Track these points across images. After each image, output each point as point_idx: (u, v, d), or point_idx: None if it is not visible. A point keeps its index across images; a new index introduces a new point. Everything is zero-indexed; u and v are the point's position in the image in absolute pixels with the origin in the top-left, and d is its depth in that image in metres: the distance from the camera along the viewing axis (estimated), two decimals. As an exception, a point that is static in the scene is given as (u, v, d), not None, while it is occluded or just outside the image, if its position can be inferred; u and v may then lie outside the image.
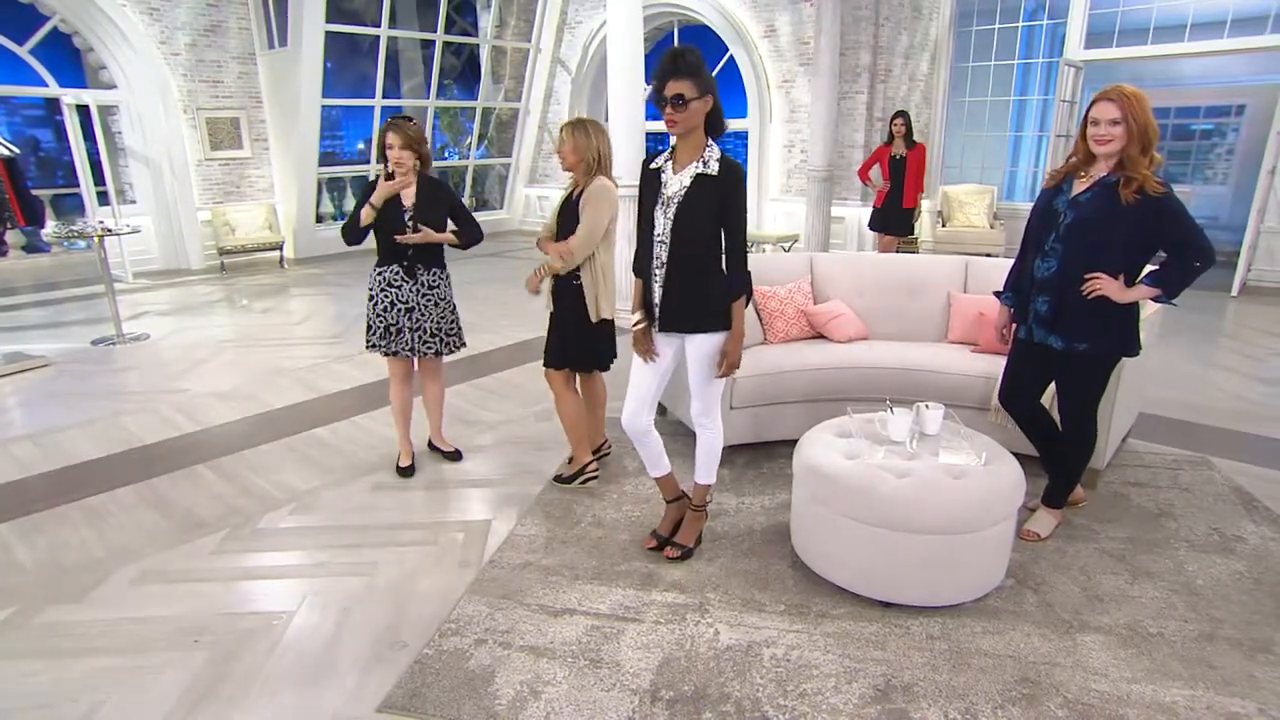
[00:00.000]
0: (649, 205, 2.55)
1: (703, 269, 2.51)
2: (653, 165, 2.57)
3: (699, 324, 2.56)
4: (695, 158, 2.46)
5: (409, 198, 3.32)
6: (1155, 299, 2.62)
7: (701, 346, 2.59)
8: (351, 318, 6.76)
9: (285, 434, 4.12)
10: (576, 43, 11.48)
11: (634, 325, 2.70)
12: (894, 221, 7.31)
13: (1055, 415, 3.00)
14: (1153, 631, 2.41)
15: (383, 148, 3.28)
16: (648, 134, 7.91)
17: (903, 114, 7.07)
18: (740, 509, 3.23)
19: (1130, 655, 2.30)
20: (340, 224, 10.80)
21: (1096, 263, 2.59)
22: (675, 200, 2.47)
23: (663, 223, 2.50)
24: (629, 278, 2.94)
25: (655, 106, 2.42)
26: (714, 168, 2.44)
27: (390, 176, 3.31)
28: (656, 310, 2.59)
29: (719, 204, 2.45)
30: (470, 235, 3.47)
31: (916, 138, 7.59)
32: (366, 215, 3.25)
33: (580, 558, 2.87)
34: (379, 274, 3.40)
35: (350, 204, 10.99)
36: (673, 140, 2.53)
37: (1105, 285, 2.58)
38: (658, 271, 2.54)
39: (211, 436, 4.11)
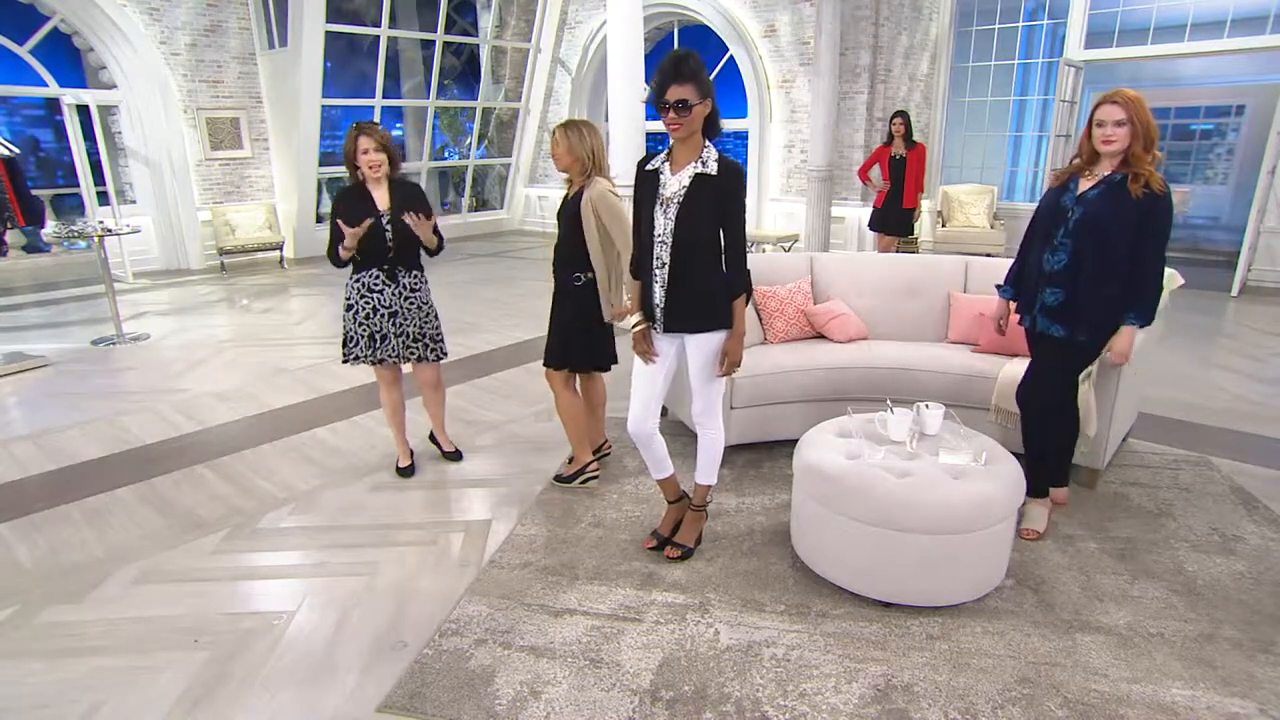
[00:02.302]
0: (647, 206, 2.54)
1: (704, 268, 2.52)
2: (649, 166, 2.56)
3: (701, 324, 2.57)
4: (693, 158, 2.47)
5: (382, 201, 3.26)
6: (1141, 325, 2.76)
7: (703, 346, 2.60)
8: (351, 318, 6.76)
9: (285, 434, 4.12)
10: (576, 43, 11.48)
11: (634, 327, 2.69)
12: (894, 221, 7.30)
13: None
14: (1153, 631, 2.41)
15: (347, 155, 3.21)
16: (647, 134, 7.91)
17: (902, 114, 7.06)
18: (740, 509, 3.23)
19: (1130, 655, 2.30)
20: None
21: (1105, 255, 2.66)
22: (675, 201, 2.47)
23: (663, 223, 2.50)
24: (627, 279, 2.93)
25: (656, 110, 2.43)
26: (713, 167, 2.45)
27: (360, 188, 3.24)
28: (657, 311, 2.59)
29: (719, 203, 2.46)
30: (440, 241, 3.40)
31: (916, 138, 7.59)
32: (346, 254, 3.21)
33: (580, 558, 2.87)
34: (356, 280, 3.32)
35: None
36: (670, 141, 2.54)
37: (1122, 348, 2.77)
38: (658, 272, 2.54)
39: (211, 436, 4.11)
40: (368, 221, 3.17)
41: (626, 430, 2.78)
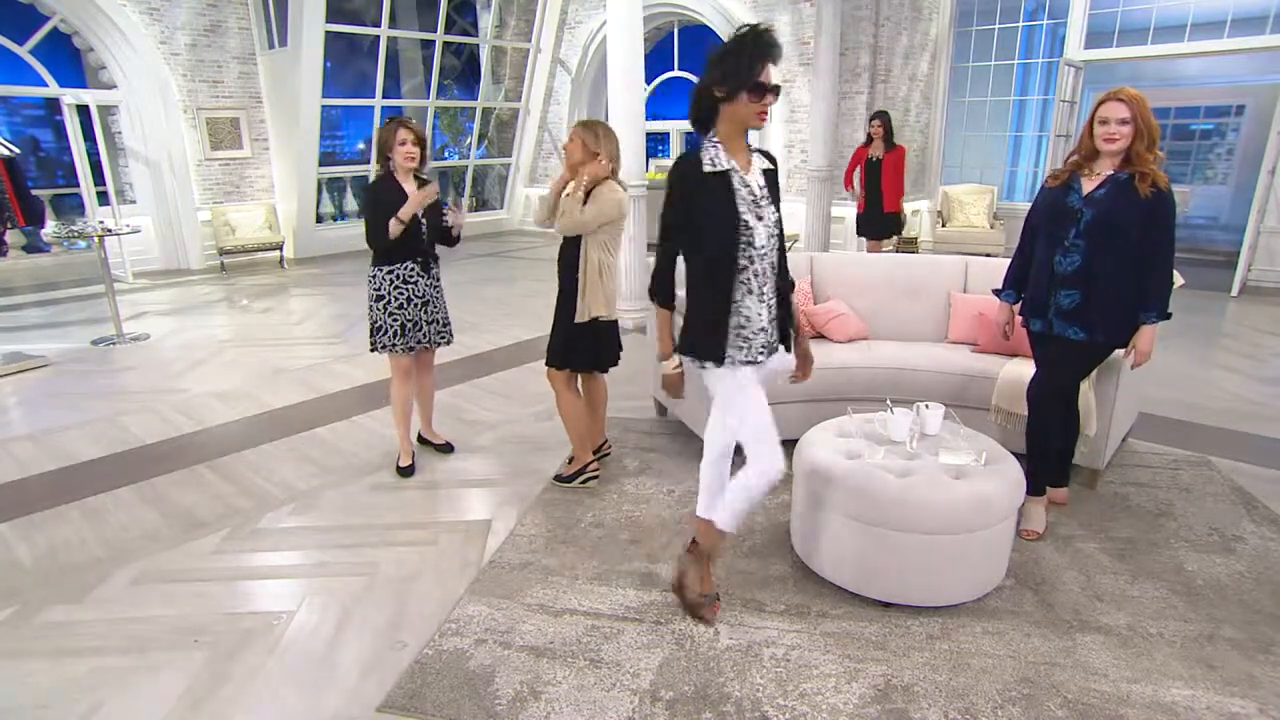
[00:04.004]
0: (729, 212, 2.10)
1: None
2: (716, 167, 2.11)
3: (789, 332, 2.35)
4: (749, 151, 2.19)
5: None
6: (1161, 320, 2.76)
7: (784, 358, 2.37)
8: (353, 318, 6.76)
9: (285, 434, 4.12)
10: (576, 43, 11.48)
11: (675, 368, 2.25)
12: (876, 226, 7.00)
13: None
14: (1153, 631, 2.41)
15: (383, 146, 3.34)
16: (648, 134, 7.90)
17: (881, 115, 6.71)
18: (740, 509, 3.23)
19: (1130, 655, 2.30)
20: (340, 223, 10.89)
21: (1119, 255, 2.67)
22: (766, 202, 2.17)
23: (764, 232, 2.14)
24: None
25: (739, 93, 2.03)
26: (766, 160, 2.22)
27: (389, 176, 3.37)
28: (763, 336, 2.21)
29: (777, 198, 2.25)
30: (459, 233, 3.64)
31: (915, 137, 7.56)
32: (396, 229, 3.29)
33: (580, 558, 2.87)
34: (389, 272, 3.42)
35: (350, 204, 11.01)
36: (717, 135, 2.14)
37: (1145, 348, 2.75)
38: (766, 291, 2.19)
39: (211, 436, 4.11)
40: (433, 188, 3.33)
41: (775, 470, 2.23)
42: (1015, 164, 10.29)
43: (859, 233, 7.41)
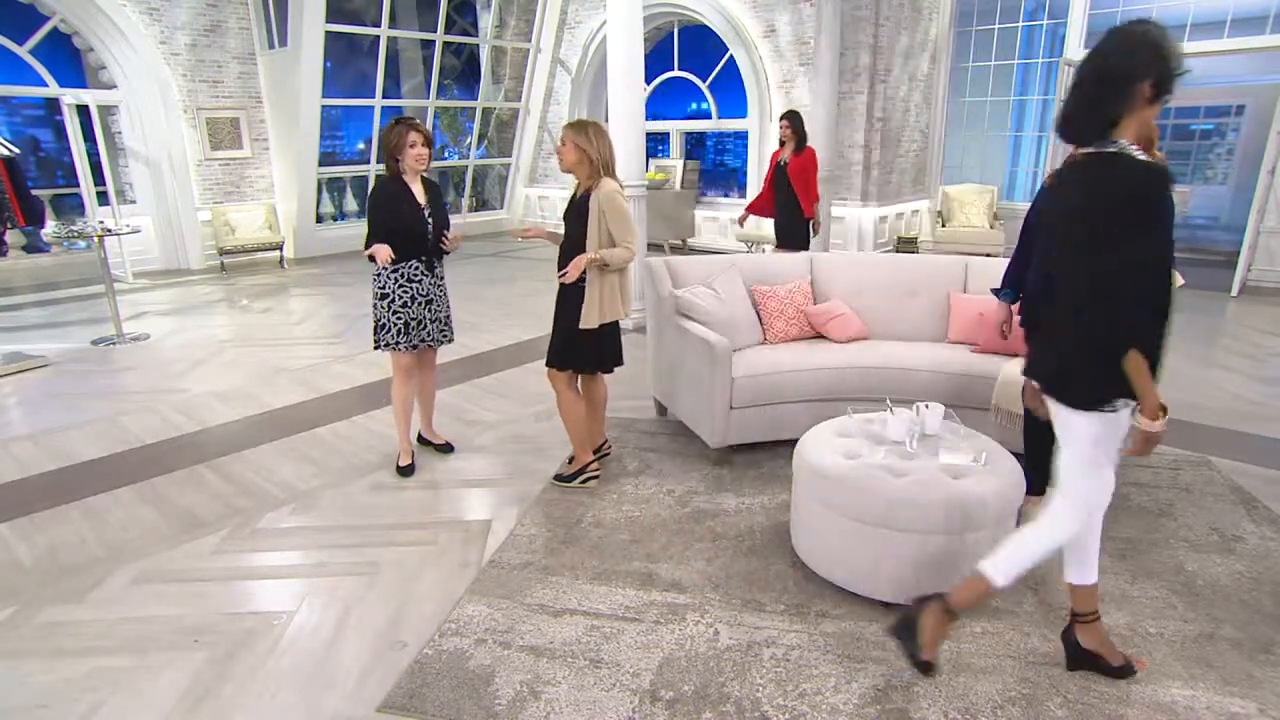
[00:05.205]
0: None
1: None
2: None
3: None
4: None
5: (421, 195, 3.44)
6: None
7: None
8: (352, 318, 6.76)
9: (285, 434, 4.12)
10: (576, 43, 11.48)
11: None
12: (784, 235, 6.07)
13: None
14: (1153, 631, 2.41)
15: (387, 146, 3.36)
16: (648, 134, 7.90)
17: (788, 115, 5.89)
18: (740, 509, 3.24)
19: (1130, 655, 2.29)
20: (340, 223, 10.89)
21: None
22: None
23: None
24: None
25: (1161, 97, 1.82)
26: None
27: (396, 179, 3.38)
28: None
29: None
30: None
31: (915, 137, 7.50)
32: (385, 257, 3.30)
33: (580, 558, 2.87)
34: (394, 272, 3.44)
35: (350, 204, 11.01)
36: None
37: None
38: None
39: (211, 436, 4.11)
40: (389, 256, 3.31)
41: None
42: (1015, 164, 10.29)
43: (778, 244, 6.27)
